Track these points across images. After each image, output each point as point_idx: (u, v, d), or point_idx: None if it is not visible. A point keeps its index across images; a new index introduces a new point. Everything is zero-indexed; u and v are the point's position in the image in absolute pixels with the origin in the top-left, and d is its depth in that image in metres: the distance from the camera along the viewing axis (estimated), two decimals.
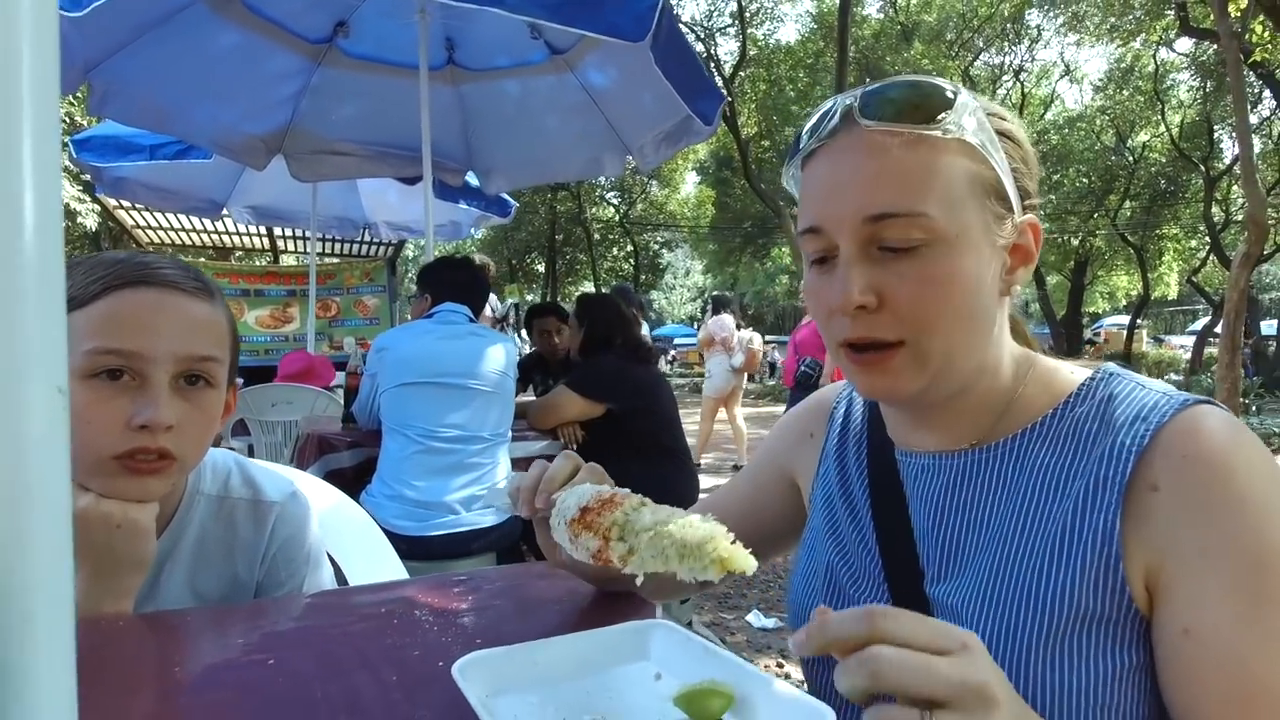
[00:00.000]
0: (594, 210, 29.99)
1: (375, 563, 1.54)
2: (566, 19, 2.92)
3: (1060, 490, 0.76)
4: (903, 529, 0.87)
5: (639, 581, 0.70)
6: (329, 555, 1.56)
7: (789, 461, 1.08)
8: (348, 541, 1.54)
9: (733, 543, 0.65)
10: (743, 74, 22.67)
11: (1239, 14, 8.39)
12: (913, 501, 0.87)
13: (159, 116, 3.75)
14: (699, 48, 22.80)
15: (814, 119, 0.80)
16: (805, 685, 0.95)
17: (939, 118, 0.74)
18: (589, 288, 27.51)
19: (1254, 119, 18.24)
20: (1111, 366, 0.84)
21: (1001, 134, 0.79)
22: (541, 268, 31.50)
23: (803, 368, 6.30)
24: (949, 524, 0.83)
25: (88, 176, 5.87)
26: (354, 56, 4.08)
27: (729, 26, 24.03)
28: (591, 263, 29.79)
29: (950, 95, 0.75)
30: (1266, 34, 9.33)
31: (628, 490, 0.77)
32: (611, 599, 0.99)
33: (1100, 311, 35.68)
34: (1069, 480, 0.76)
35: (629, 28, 2.84)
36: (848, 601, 0.91)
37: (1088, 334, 28.67)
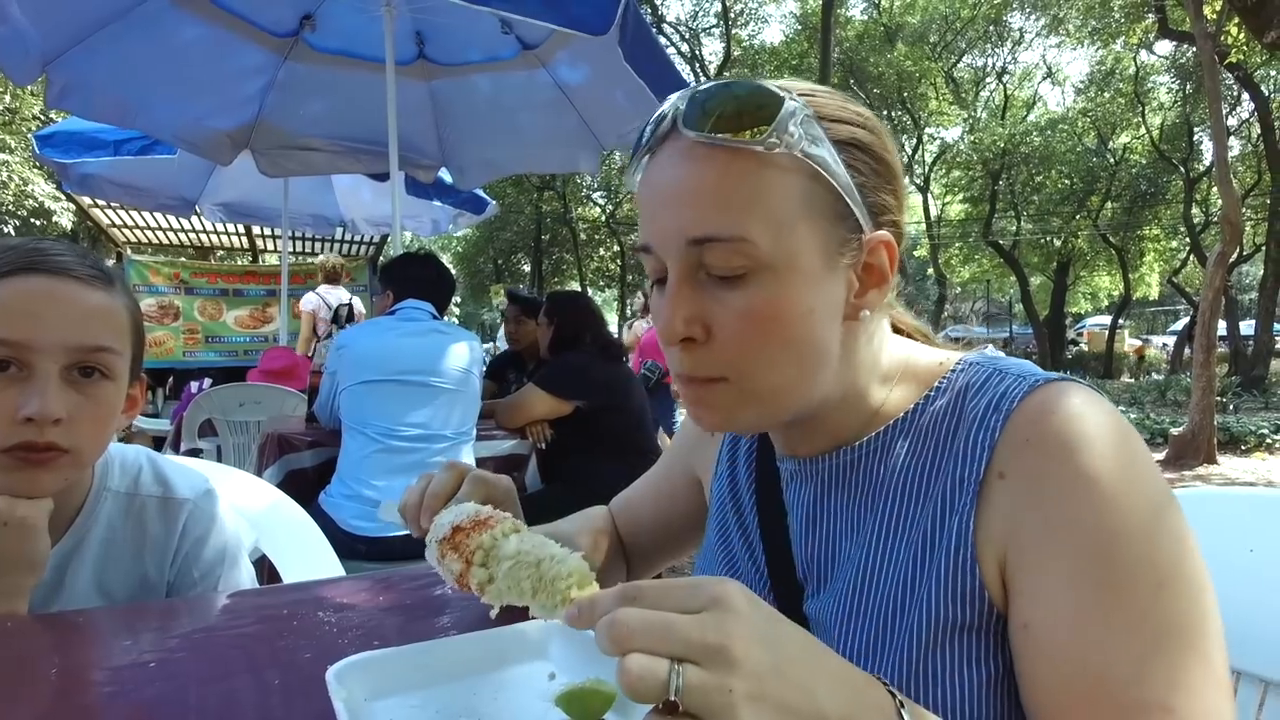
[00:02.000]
0: (580, 210, 29.93)
1: (312, 563, 1.50)
2: (530, 11, 2.89)
3: (924, 493, 0.71)
4: (783, 540, 0.82)
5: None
6: (266, 556, 1.53)
7: (693, 459, 1.05)
8: (283, 542, 1.51)
9: (594, 581, 0.62)
10: (727, 74, 22.70)
11: (1214, 15, 8.45)
12: (790, 509, 0.83)
13: (121, 111, 3.69)
14: (684, 48, 22.83)
15: (648, 123, 0.72)
16: None
17: (761, 130, 0.65)
18: (576, 288, 27.48)
19: (1233, 121, 18.43)
20: (975, 354, 0.78)
21: (848, 143, 0.70)
22: (528, 268, 31.44)
23: (643, 370, 6.29)
24: (821, 533, 0.79)
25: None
26: (321, 51, 4.03)
27: (714, 27, 24.07)
28: (578, 263, 29.75)
29: (774, 104, 0.66)
30: (1242, 35, 9.42)
31: (508, 515, 0.73)
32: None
33: (1083, 312, 35.95)
34: (931, 481, 0.71)
35: (592, 20, 2.82)
36: None
37: (1070, 334, 28.91)
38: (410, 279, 2.94)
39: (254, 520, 1.53)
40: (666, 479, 1.09)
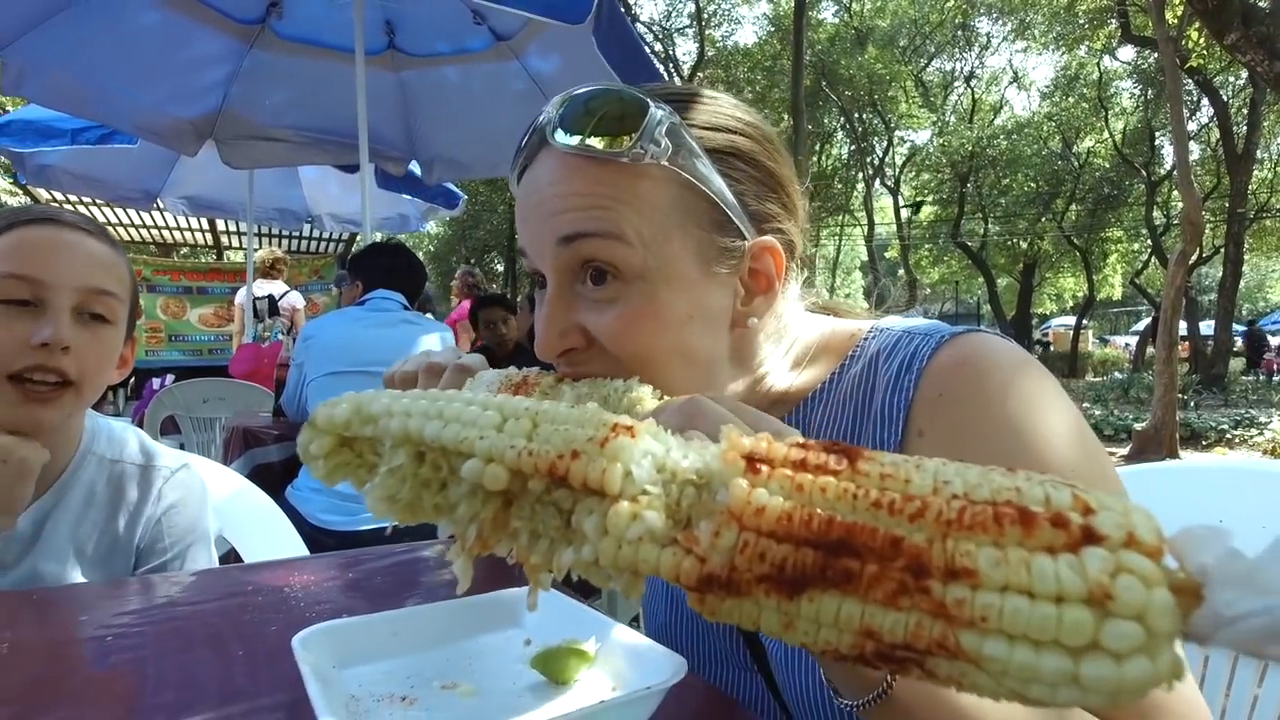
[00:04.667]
0: None
1: (277, 550, 1.46)
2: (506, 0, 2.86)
3: None
4: None
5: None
6: (229, 543, 1.49)
7: None
8: (247, 529, 1.47)
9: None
10: (701, 75, 22.77)
11: (1176, 20, 8.66)
12: None
13: (80, 98, 3.58)
14: (657, 48, 22.86)
15: (523, 133, 0.72)
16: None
17: (626, 143, 0.65)
18: None
19: (1192, 126, 18.90)
20: (887, 320, 0.78)
21: (724, 152, 0.69)
22: (501, 267, 31.23)
23: None
24: None
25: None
26: (288, 39, 3.94)
27: (687, 27, 24.12)
28: None
29: (639, 113, 0.65)
30: (1202, 40, 9.65)
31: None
32: (516, 577, 0.93)
33: (1048, 312, 36.60)
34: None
35: (568, 9, 2.79)
36: (699, 625, 0.84)
37: (1036, 334, 29.43)
38: (380, 269, 2.88)
39: (218, 508, 1.48)
40: None
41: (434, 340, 2.81)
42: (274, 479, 2.83)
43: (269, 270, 6.27)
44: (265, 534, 1.46)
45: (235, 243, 10.44)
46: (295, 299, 6.12)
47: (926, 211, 27.37)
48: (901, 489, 0.32)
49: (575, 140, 0.65)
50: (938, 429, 0.65)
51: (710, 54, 22.75)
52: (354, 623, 0.67)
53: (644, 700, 0.54)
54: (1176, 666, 0.29)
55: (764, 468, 0.34)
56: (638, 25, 22.09)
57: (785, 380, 0.76)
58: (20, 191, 11.50)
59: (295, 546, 1.47)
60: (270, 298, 5.89)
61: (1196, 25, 9.15)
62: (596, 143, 0.65)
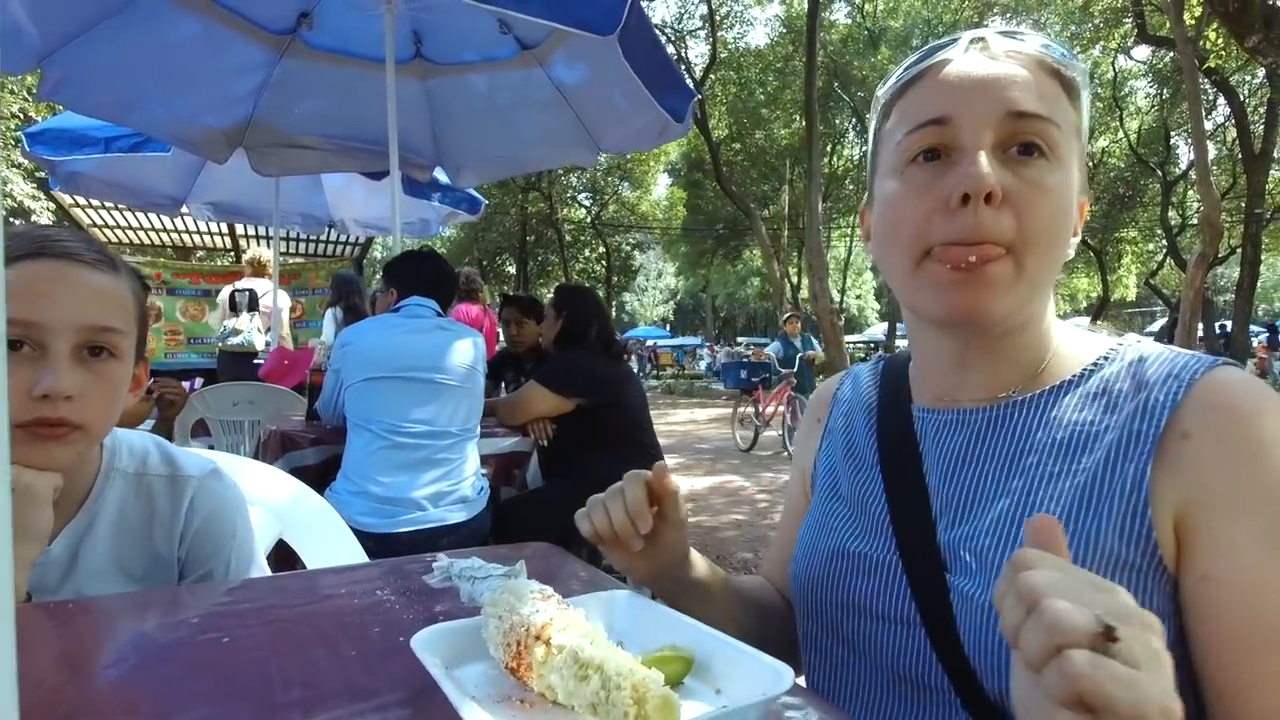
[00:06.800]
0: (565, 211, 29.92)
1: (336, 552, 1.51)
2: (535, 10, 2.90)
3: (1090, 444, 0.76)
4: (914, 478, 0.86)
5: None
6: (290, 546, 1.54)
7: (803, 457, 1.08)
8: (307, 531, 1.52)
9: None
10: (713, 77, 22.80)
11: (1194, 21, 8.63)
12: (928, 454, 0.86)
13: (115, 106, 3.66)
14: (669, 50, 22.88)
15: (925, 52, 0.83)
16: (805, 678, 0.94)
17: (1071, 64, 0.79)
18: None
19: (1209, 125, 18.76)
20: (1137, 336, 0.85)
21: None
22: (513, 269, 31.35)
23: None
24: (967, 473, 0.82)
25: (43, 173, 5.72)
26: (318, 49, 4.02)
27: (700, 29, 24.14)
28: (563, 264, 29.72)
29: (1070, 55, 0.80)
30: (1220, 40, 9.60)
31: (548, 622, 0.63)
32: (586, 584, 0.98)
33: (1062, 313, 36.22)
34: (1100, 435, 0.75)
35: (598, 21, 2.83)
36: (851, 561, 0.88)
37: None
38: (414, 276, 2.94)
39: (278, 512, 1.53)
40: (799, 507, 1.07)
41: (466, 347, 2.86)
42: (311, 482, 2.87)
43: (259, 269, 6.37)
44: (326, 538, 1.51)
45: (251, 246, 10.57)
46: (281, 299, 6.20)
47: None
48: None
49: (1029, 48, 0.78)
50: (1208, 436, 0.69)
51: (723, 55, 22.76)
52: (460, 625, 0.71)
53: (761, 706, 0.57)
54: None
55: None
56: (650, 22, 22.13)
57: (1043, 345, 0.84)
58: (45, 197, 11.66)
59: (354, 549, 1.52)
60: (250, 292, 5.98)
61: (1215, 26, 9.11)
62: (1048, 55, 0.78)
